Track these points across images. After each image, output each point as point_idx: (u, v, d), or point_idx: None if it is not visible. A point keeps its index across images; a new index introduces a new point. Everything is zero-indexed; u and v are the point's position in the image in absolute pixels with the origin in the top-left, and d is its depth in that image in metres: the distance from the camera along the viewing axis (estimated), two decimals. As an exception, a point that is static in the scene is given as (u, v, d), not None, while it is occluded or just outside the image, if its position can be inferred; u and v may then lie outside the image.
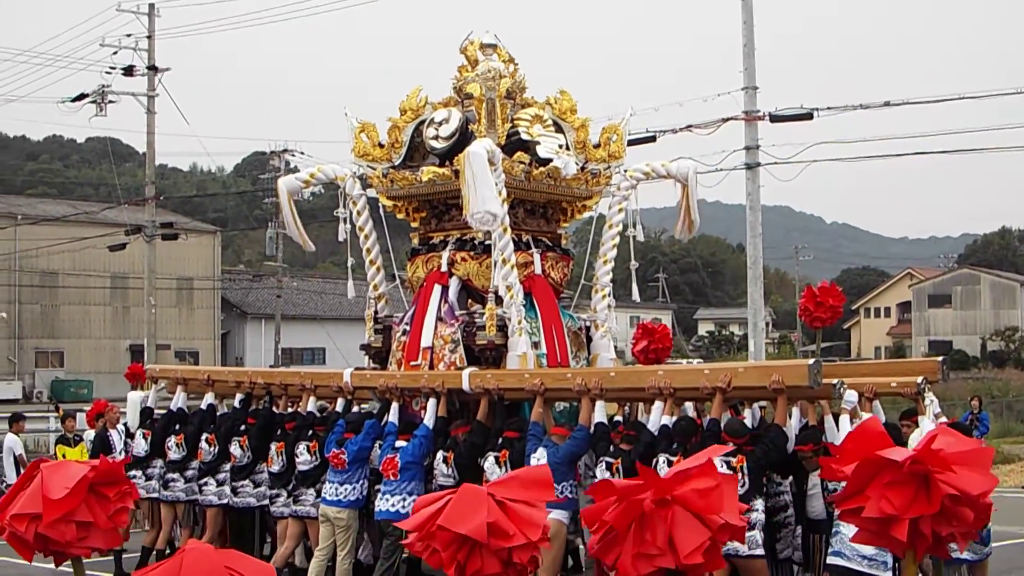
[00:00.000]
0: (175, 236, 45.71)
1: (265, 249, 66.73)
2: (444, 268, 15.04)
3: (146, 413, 16.76)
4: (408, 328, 15.03)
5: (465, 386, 13.41)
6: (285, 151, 63.18)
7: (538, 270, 15.08)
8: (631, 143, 29.61)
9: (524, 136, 15.07)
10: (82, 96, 42.57)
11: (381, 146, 15.69)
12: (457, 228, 15.17)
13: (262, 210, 70.27)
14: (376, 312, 15.96)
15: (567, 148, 15.42)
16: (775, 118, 28.58)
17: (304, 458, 14.19)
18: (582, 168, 15.44)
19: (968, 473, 4.72)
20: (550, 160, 14.91)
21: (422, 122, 15.42)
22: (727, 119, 28.91)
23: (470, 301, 15.06)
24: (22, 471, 19.19)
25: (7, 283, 63.04)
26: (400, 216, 16.25)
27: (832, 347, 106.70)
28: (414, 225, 16.20)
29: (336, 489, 13.64)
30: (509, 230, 14.26)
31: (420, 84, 15.90)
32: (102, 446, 17.18)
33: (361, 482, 13.69)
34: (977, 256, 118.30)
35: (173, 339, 66.57)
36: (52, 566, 15.61)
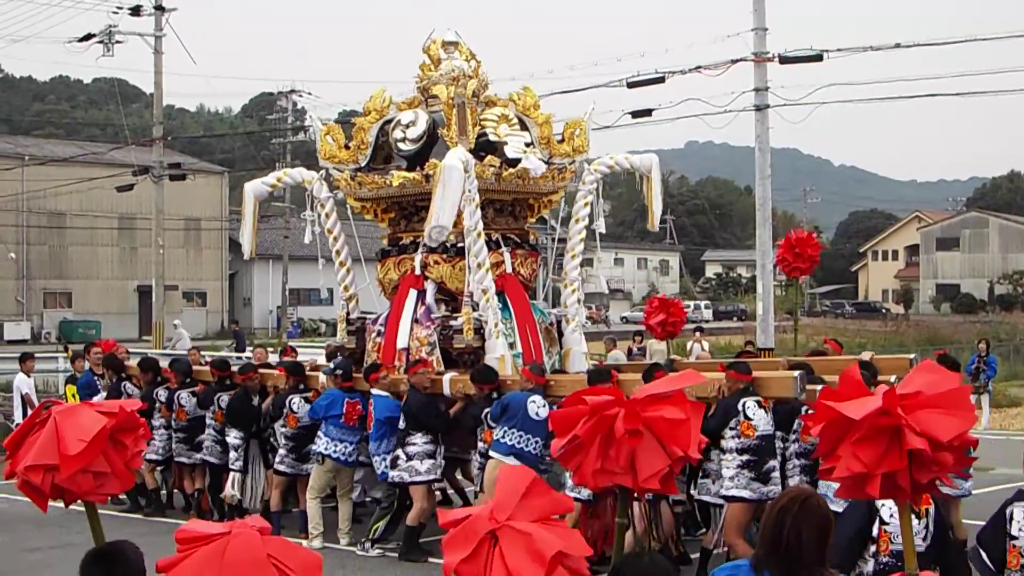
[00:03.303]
0: (183, 177, 45.60)
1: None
2: (418, 271, 15.10)
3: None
4: (383, 329, 15.10)
5: (446, 391, 13.69)
6: (292, 91, 63.12)
7: (508, 268, 15.15)
8: (640, 84, 29.68)
9: (492, 137, 15.22)
10: (89, 36, 42.34)
11: (347, 147, 15.75)
12: None
13: (269, 151, 70.19)
14: (348, 313, 16.06)
15: (532, 145, 15.46)
16: (785, 59, 28.37)
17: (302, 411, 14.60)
18: (547, 163, 15.49)
19: (939, 417, 4.68)
20: (519, 160, 15.02)
21: (387, 122, 15.52)
22: (736, 60, 28.73)
23: (441, 306, 15.21)
24: (29, 411, 19.43)
25: (15, 224, 63.14)
26: (368, 217, 16.38)
27: (840, 290, 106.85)
28: (382, 226, 16.25)
29: (336, 446, 14.09)
30: (483, 235, 14.34)
31: (383, 85, 16.10)
32: (117, 397, 17.35)
33: (356, 444, 14.16)
34: (986, 199, 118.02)
35: (181, 280, 66.68)
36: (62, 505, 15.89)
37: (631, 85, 29.94)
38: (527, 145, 15.35)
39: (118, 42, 42.79)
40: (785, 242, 16.56)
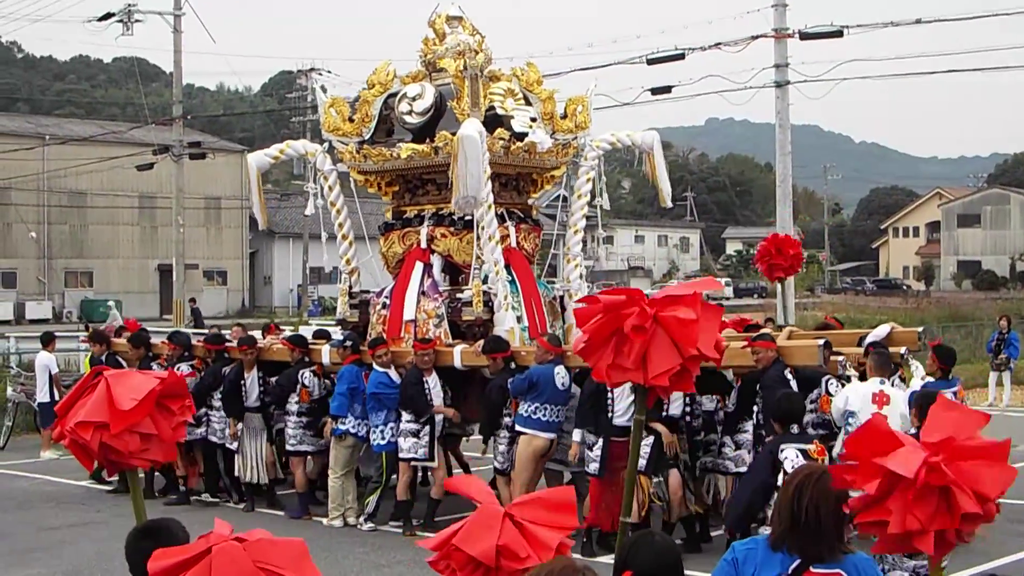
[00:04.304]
0: (202, 155, 45.73)
1: (293, 168, 66.70)
2: (424, 245, 15.07)
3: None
4: (388, 302, 15.09)
5: (457, 363, 13.72)
6: (312, 70, 62.92)
7: (513, 243, 15.15)
8: (659, 61, 29.59)
9: (499, 111, 15.19)
10: (109, 15, 42.40)
11: (351, 120, 15.69)
12: (432, 203, 15.20)
13: (289, 129, 70.09)
14: (351, 287, 16.01)
15: (537, 120, 15.51)
16: (805, 35, 28.31)
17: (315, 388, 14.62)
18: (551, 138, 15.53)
19: (984, 471, 4.54)
20: (525, 134, 15.03)
21: (392, 95, 15.45)
22: (756, 36, 28.66)
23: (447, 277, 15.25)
24: (55, 389, 19.51)
25: (36, 203, 63.27)
26: (371, 190, 16.27)
27: (860, 267, 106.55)
28: (386, 199, 16.19)
29: (361, 424, 14.10)
30: (493, 207, 14.36)
31: (392, 60, 16.00)
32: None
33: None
34: (1007, 176, 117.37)
35: (201, 258, 66.88)
36: (88, 484, 15.85)
37: (651, 62, 29.87)
38: (532, 120, 15.35)
39: (137, 21, 42.87)
40: (762, 249, 16.12)
